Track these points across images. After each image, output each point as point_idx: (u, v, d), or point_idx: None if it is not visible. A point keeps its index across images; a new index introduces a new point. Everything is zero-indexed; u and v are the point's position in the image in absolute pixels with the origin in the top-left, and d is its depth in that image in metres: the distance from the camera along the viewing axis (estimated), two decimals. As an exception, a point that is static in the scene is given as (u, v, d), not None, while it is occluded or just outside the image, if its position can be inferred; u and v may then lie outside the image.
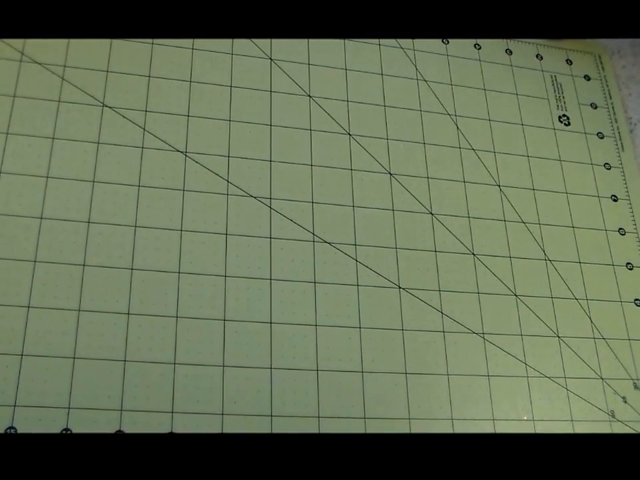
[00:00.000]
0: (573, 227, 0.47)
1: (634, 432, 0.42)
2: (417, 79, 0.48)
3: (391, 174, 0.44)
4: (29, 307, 0.36)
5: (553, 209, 0.47)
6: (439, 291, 0.42)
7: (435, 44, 0.50)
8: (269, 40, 0.45)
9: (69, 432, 0.34)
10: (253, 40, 0.45)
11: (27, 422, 0.34)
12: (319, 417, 0.37)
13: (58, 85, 0.40)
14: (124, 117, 0.41)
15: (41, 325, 0.35)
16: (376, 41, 0.48)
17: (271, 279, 0.39)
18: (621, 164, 0.50)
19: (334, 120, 0.45)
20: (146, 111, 0.41)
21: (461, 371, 0.40)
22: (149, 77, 0.42)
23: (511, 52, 0.51)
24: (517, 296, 0.43)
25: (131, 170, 0.40)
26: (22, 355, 0.35)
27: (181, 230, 0.39)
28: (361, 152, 0.44)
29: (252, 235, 0.40)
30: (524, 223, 0.46)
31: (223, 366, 0.37)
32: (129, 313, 0.37)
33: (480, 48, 0.51)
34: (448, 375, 0.40)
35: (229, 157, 0.42)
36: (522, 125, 0.49)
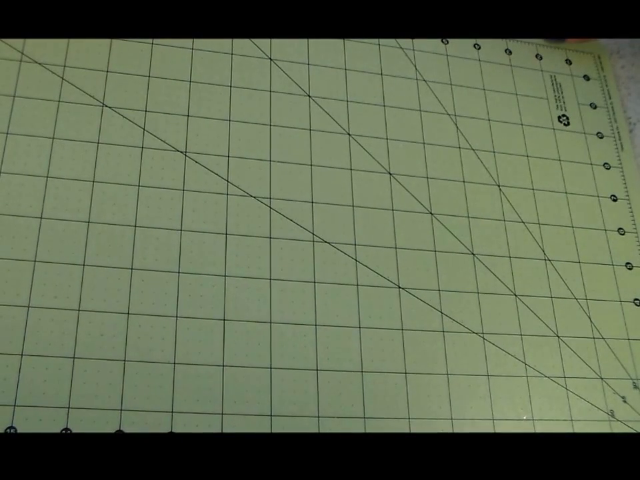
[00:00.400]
0: (572, 227, 0.47)
1: (633, 431, 0.42)
2: (417, 79, 0.48)
3: (390, 174, 0.44)
4: (28, 307, 0.36)
5: (553, 209, 0.47)
6: (439, 290, 0.42)
7: (434, 44, 0.50)
8: (269, 40, 0.46)
9: (68, 432, 0.34)
10: (252, 40, 0.45)
11: (26, 422, 0.34)
12: (318, 416, 0.37)
13: (58, 85, 0.40)
14: (124, 117, 0.41)
15: (41, 325, 0.35)
16: (375, 40, 0.48)
17: (270, 279, 0.39)
18: (621, 164, 0.50)
19: (334, 120, 0.45)
20: (146, 111, 0.41)
21: (461, 371, 0.40)
22: (149, 76, 0.42)
23: (510, 52, 0.51)
24: (516, 296, 0.43)
25: (131, 170, 0.40)
26: (22, 355, 0.35)
27: (181, 230, 0.39)
28: (360, 152, 0.44)
29: (252, 235, 0.40)
30: (523, 222, 0.46)
31: (223, 366, 0.37)
32: (128, 313, 0.37)
33: (479, 48, 0.51)
34: (447, 374, 0.40)
35: (228, 156, 0.42)
36: (521, 124, 0.49)
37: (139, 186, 0.39)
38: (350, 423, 0.38)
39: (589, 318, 0.44)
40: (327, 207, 0.42)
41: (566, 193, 0.48)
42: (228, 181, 0.41)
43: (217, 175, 0.41)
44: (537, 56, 0.52)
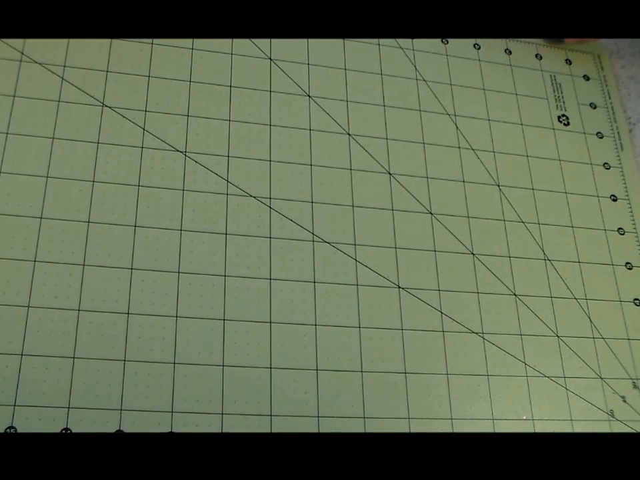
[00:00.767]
0: (572, 227, 0.47)
1: (633, 431, 0.42)
2: (417, 79, 0.48)
3: (390, 174, 0.44)
4: (28, 307, 0.36)
5: (552, 209, 0.47)
6: (439, 290, 0.42)
7: (434, 44, 0.50)
8: (269, 40, 0.46)
9: (68, 431, 0.34)
10: (252, 40, 0.45)
11: (26, 421, 0.34)
12: (318, 416, 0.37)
13: (58, 85, 0.40)
14: (124, 117, 0.41)
15: (41, 325, 0.35)
16: (375, 40, 0.48)
17: (270, 279, 0.39)
18: (620, 164, 0.50)
19: (333, 120, 0.45)
20: (146, 111, 0.41)
21: (461, 371, 0.41)
22: (149, 76, 0.42)
23: (510, 52, 0.51)
24: (516, 296, 0.43)
25: (131, 170, 0.40)
26: (22, 355, 0.35)
27: (181, 230, 0.39)
28: (360, 152, 0.44)
29: (252, 235, 0.40)
30: (523, 222, 0.46)
31: (223, 366, 0.37)
32: (128, 313, 0.37)
33: (479, 48, 0.51)
34: (447, 374, 0.40)
35: (228, 156, 0.42)
36: (521, 124, 0.49)
37: (138, 186, 0.39)
38: (350, 423, 0.38)
39: (589, 318, 0.44)
40: (327, 207, 0.42)
41: (566, 192, 0.48)
42: (228, 181, 0.41)
43: (216, 175, 0.41)
44: (536, 56, 0.52)
